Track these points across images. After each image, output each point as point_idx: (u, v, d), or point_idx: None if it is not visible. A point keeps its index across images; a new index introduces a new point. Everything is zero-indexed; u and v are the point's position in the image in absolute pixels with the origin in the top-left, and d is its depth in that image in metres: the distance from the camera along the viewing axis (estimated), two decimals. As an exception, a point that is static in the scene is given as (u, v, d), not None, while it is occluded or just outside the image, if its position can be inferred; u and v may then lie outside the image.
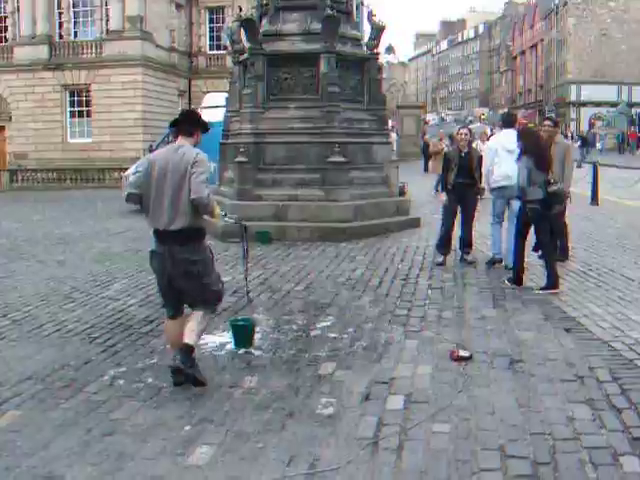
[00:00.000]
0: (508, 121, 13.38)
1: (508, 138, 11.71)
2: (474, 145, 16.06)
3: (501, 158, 11.73)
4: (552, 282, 10.06)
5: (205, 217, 6.65)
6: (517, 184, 10.33)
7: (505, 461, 4.91)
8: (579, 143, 50.45)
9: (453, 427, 5.47)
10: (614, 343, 7.56)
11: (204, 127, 6.76)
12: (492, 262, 12.10)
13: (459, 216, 12.57)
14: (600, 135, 66.58)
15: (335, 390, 6.30)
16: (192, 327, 6.51)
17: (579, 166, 38.29)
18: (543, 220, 10.19)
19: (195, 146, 6.63)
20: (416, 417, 5.66)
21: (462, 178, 12.15)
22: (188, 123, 6.71)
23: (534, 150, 10.20)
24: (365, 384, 6.41)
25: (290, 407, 5.91)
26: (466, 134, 12.48)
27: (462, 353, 7.16)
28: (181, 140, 6.61)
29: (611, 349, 7.38)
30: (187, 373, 6.31)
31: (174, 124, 6.80)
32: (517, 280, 10.46)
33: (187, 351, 6.36)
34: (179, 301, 6.78)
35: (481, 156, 12.58)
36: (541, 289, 10.11)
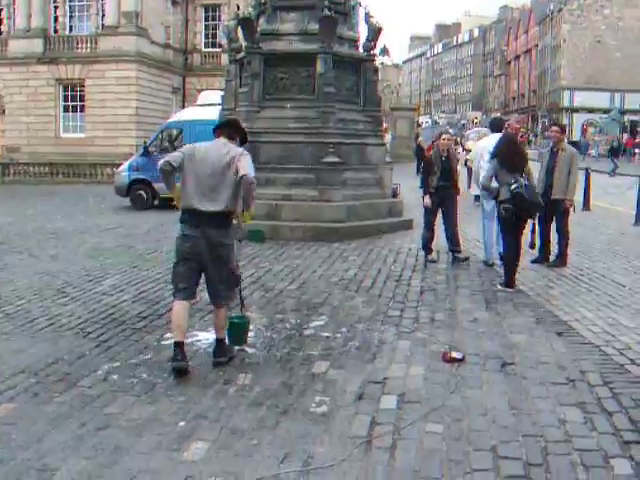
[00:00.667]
0: (496, 125, 14.05)
1: (494, 142, 11.71)
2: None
3: (486, 161, 11.70)
4: (507, 281, 10.62)
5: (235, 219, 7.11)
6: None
7: (497, 462, 4.95)
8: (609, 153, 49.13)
9: (446, 427, 5.52)
10: (605, 347, 7.62)
11: (244, 137, 7.36)
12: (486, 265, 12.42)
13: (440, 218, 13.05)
14: (595, 142, 66.70)
15: (329, 389, 6.33)
16: (222, 324, 7.20)
17: (612, 175, 38.08)
18: (513, 220, 10.60)
19: None
20: (409, 417, 5.70)
21: (443, 181, 12.61)
22: (233, 128, 7.30)
23: (502, 152, 10.74)
24: (358, 383, 6.45)
25: (284, 405, 5.94)
26: (449, 139, 13.08)
27: (454, 355, 7.21)
28: (224, 139, 7.12)
29: (602, 353, 7.44)
30: (227, 361, 7.04)
31: (217, 128, 7.33)
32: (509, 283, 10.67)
33: (223, 344, 7.17)
34: (196, 285, 7.11)
35: (458, 159, 13.30)
36: (499, 284, 10.71)
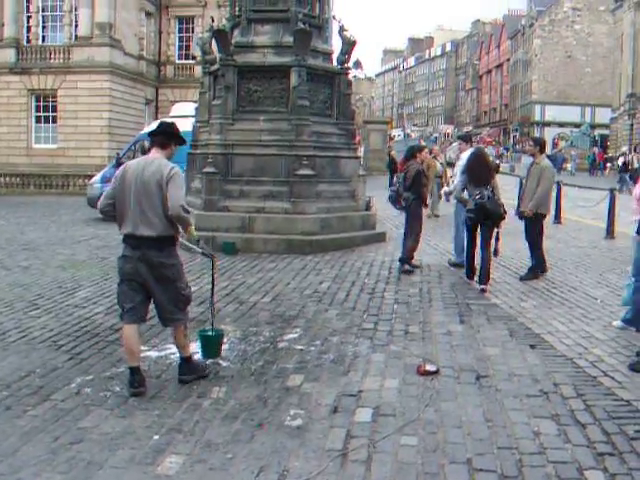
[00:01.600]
0: (466, 140, 14.97)
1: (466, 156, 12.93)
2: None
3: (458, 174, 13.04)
4: (484, 278, 11.63)
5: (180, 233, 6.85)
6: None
7: (473, 474, 4.97)
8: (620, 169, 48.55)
9: (421, 440, 5.53)
10: (578, 360, 7.69)
11: (179, 140, 6.94)
12: (454, 265, 13.50)
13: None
14: (572, 156, 67.29)
15: (303, 402, 6.33)
16: (183, 343, 6.99)
17: (620, 191, 37.42)
18: (476, 228, 11.89)
19: (169, 159, 6.76)
20: (384, 430, 5.71)
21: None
22: (163, 135, 6.87)
23: (471, 167, 11.99)
24: (333, 396, 6.45)
25: (259, 418, 5.93)
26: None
27: (429, 367, 7.23)
28: (155, 152, 6.78)
29: (575, 366, 7.50)
30: (194, 379, 6.86)
31: (150, 134, 7.01)
32: (470, 274, 12.15)
33: (188, 362, 6.97)
34: (145, 307, 6.88)
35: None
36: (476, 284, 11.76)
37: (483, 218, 11.63)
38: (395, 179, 13.74)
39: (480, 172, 11.84)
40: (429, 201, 18.14)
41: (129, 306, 6.76)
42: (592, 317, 9.73)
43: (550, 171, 12.88)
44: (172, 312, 6.83)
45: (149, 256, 6.58)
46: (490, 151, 33.95)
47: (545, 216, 13.12)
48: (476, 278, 11.90)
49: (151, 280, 6.65)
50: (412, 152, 13.84)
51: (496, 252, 12.41)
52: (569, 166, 64.79)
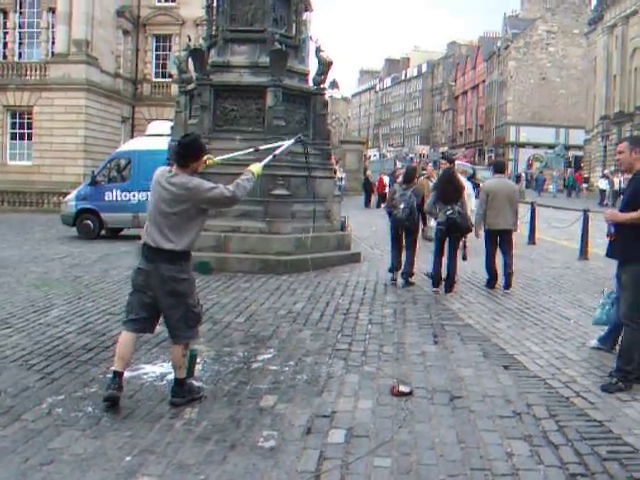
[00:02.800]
0: (449, 161, 15.86)
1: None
2: None
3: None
4: (449, 286, 13.13)
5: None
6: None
7: (445, 496, 4.97)
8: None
9: (394, 461, 5.52)
10: (551, 380, 7.72)
11: (198, 156, 6.86)
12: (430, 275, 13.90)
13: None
14: (553, 177, 67.84)
15: (276, 423, 6.30)
16: (181, 363, 6.86)
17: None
18: (444, 238, 13.25)
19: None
20: (357, 451, 5.69)
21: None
22: (177, 155, 6.81)
23: (440, 186, 13.51)
24: (306, 417, 6.43)
25: (231, 439, 5.89)
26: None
27: (402, 388, 7.22)
28: (176, 169, 6.73)
29: (548, 386, 7.53)
30: (186, 402, 6.75)
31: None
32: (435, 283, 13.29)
33: (183, 385, 6.85)
34: (151, 320, 6.92)
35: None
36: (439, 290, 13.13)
37: (453, 231, 13.12)
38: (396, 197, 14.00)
39: (449, 190, 13.17)
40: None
41: (132, 317, 6.83)
42: (565, 337, 9.78)
43: (484, 191, 14.02)
44: (180, 329, 6.81)
45: (161, 269, 6.61)
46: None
47: (492, 231, 13.66)
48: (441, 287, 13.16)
49: (161, 294, 6.67)
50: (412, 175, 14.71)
51: (465, 257, 14.84)
52: (550, 187, 65.32)
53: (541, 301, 12.56)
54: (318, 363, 8.28)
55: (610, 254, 7.98)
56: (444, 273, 13.32)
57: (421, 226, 15.02)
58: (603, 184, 50.43)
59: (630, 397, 7.20)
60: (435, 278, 13.29)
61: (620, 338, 7.97)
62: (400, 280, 13.93)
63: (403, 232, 14.08)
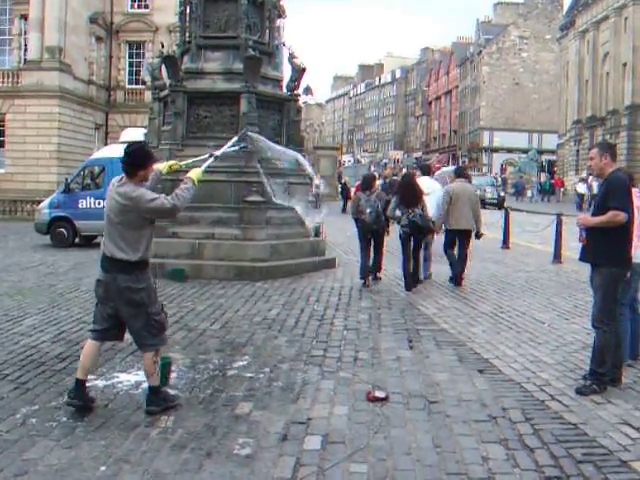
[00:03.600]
0: (425, 170, 18.43)
1: (424, 183, 15.50)
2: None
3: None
4: (407, 286, 13.90)
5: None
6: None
7: (421, 502, 4.97)
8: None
9: (370, 467, 5.52)
10: (526, 384, 7.76)
11: (145, 164, 6.80)
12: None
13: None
14: (532, 182, 68.29)
15: (252, 430, 6.28)
16: (152, 370, 6.83)
17: None
18: (409, 240, 14.14)
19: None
20: (333, 457, 5.69)
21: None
22: (124, 164, 6.72)
23: (401, 191, 14.40)
24: (282, 424, 6.41)
25: (207, 447, 5.87)
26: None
27: (378, 394, 7.23)
28: (125, 178, 6.73)
29: (523, 390, 7.56)
30: (162, 410, 6.69)
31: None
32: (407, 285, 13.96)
33: (157, 392, 6.82)
34: (115, 329, 6.91)
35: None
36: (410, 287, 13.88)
37: (416, 232, 14.00)
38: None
39: (410, 195, 14.11)
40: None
41: (96, 327, 6.92)
42: (540, 341, 9.83)
43: (447, 193, 15.00)
44: (145, 338, 6.78)
45: (118, 279, 6.62)
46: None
47: (453, 230, 14.86)
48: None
49: (120, 305, 6.68)
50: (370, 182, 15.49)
51: (426, 258, 15.47)
52: (529, 192, 65.70)
53: (516, 305, 12.61)
54: (293, 370, 8.27)
55: (583, 258, 8.04)
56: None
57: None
58: (582, 188, 50.67)
59: (604, 399, 7.25)
60: (406, 279, 14.00)
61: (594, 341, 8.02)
62: (371, 279, 14.74)
63: (371, 236, 14.98)
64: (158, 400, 6.79)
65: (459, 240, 14.91)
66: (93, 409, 6.72)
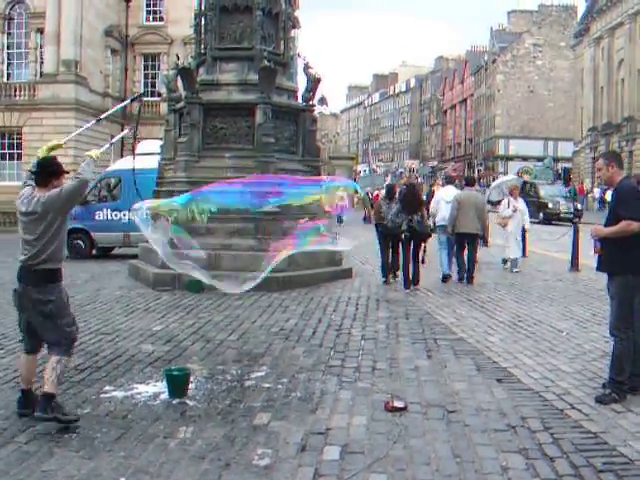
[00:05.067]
0: (448, 180, 20.11)
1: (447, 192, 17.43)
2: (504, 201, 19.51)
3: (441, 206, 16.96)
4: (415, 280, 15.32)
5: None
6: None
7: (441, 512, 4.95)
8: None
9: (389, 477, 5.50)
10: (545, 393, 7.72)
11: (51, 173, 6.96)
12: (444, 277, 16.47)
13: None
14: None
15: (271, 441, 6.28)
16: (49, 376, 6.73)
17: None
18: (409, 243, 15.40)
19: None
20: (352, 467, 5.67)
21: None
22: (40, 175, 6.96)
23: (404, 198, 15.66)
24: (301, 435, 6.41)
25: (226, 458, 5.87)
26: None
27: (397, 404, 7.22)
28: (37, 190, 6.88)
29: (542, 399, 7.53)
30: (50, 418, 6.55)
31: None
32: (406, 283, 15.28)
33: (48, 399, 6.63)
34: (36, 339, 7.02)
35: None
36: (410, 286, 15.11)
37: (414, 237, 15.29)
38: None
39: (412, 203, 15.41)
40: None
41: (22, 337, 7.17)
42: (558, 350, 9.78)
43: (455, 200, 16.33)
44: (54, 347, 6.89)
45: (28, 291, 6.81)
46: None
47: (460, 234, 16.23)
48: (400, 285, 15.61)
49: (32, 314, 6.85)
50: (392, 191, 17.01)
51: (423, 260, 16.98)
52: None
53: (534, 313, 12.56)
54: (311, 380, 8.27)
55: (599, 268, 8.03)
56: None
57: None
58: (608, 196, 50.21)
59: (624, 408, 7.20)
60: (406, 278, 15.40)
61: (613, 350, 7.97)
62: (392, 277, 16.40)
63: (391, 240, 16.25)
64: (49, 407, 6.58)
65: (468, 243, 16.30)
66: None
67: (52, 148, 7.66)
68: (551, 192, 43.01)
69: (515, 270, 18.29)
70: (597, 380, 8.15)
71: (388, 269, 16.39)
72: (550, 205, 40.59)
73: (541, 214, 39.73)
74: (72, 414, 6.76)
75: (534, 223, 28.98)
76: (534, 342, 10.28)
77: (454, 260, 16.88)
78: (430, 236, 16.28)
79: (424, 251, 17.00)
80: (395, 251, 16.31)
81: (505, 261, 19.05)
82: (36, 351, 7.15)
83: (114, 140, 8.70)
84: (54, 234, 6.82)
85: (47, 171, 6.94)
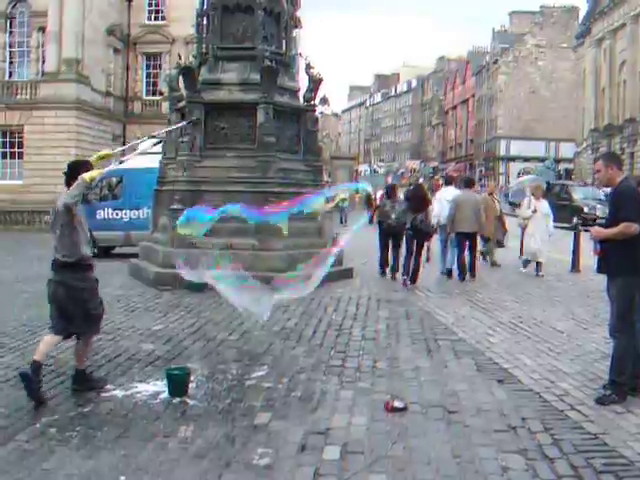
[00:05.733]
0: (449, 181, 20.67)
1: (449, 193, 18.23)
2: (525, 201, 19.43)
3: (443, 206, 17.53)
4: (413, 278, 15.93)
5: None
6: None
7: (441, 512, 4.96)
8: None
9: (390, 477, 5.51)
10: (545, 394, 7.73)
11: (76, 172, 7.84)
12: (447, 272, 17.47)
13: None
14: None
15: (271, 440, 6.29)
16: (80, 354, 7.97)
17: None
18: (413, 240, 16.18)
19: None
20: (352, 467, 5.68)
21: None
22: (68, 176, 7.90)
23: (411, 198, 16.75)
24: (301, 434, 6.41)
25: (226, 457, 5.88)
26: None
27: (397, 404, 7.21)
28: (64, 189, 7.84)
29: (542, 400, 7.54)
30: (85, 389, 7.71)
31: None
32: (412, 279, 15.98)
33: (80, 374, 7.87)
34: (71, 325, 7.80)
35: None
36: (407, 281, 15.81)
37: (418, 235, 16.07)
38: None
39: (418, 203, 16.34)
40: (483, 248, 20.26)
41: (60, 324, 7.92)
42: (558, 351, 9.80)
43: (453, 201, 17.30)
44: (84, 327, 7.85)
45: (65, 279, 7.77)
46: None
47: (459, 233, 17.03)
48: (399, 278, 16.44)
49: (68, 301, 7.74)
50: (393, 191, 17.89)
51: (428, 259, 18.65)
52: None
53: (534, 314, 12.57)
54: (312, 379, 8.27)
55: (599, 269, 8.04)
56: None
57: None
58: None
59: (624, 409, 7.21)
60: (410, 273, 16.03)
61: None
62: (388, 272, 17.27)
63: (391, 237, 17.15)
64: (85, 380, 7.83)
65: (468, 242, 17.13)
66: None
67: (102, 157, 8.40)
68: (585, 194, 40.05)
69: (523, 270, 18.60)
70: (597, 381, 8.16)
71: (386, 264, 17.37)
72: (585, 209, 37.01)
73: (575, 219, 36.56)
74: (102, 380, 7.98)
75: (566, 229, 28.60)
76: (535, 343, 10.29)
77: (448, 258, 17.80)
78: (432, 235, 17.07)
79: (428, 250, 18.03)
80: (396, 249, 17.05)
81: (526, 263, 18.93)
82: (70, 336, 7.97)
83: (160, 132, 9.18)
84: (65, 231, 7.71)
85: (73, 173, 7.74)
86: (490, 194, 21.44)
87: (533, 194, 19.40)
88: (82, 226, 7.94)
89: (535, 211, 18.44)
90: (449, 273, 17.37)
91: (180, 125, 9.07)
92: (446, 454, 5.99)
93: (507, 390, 7.89)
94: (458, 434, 6.47)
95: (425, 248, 17.43)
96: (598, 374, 8.48)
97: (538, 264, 18.36)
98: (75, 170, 7.80)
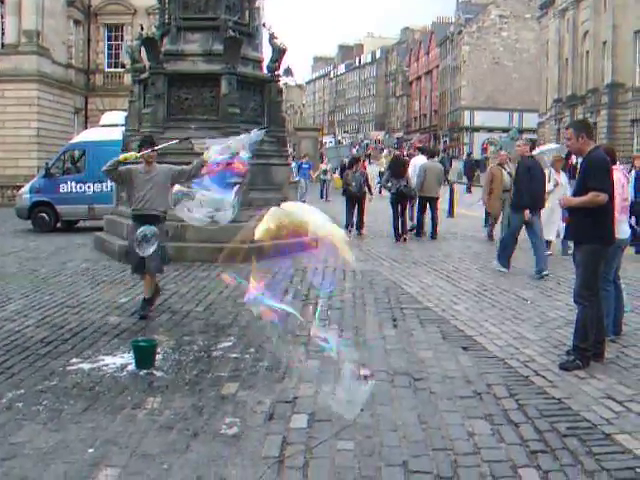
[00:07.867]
0: (423, 150, 26.08)
1: (418, 160, 21.88)
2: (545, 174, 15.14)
3: (415, 172, 20.10)
4: (397, 237, 18.79)
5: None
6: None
7: (409, 476, 5.01)
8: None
9: (357, 444, 5.55)
10: (510, 360, 7.82)
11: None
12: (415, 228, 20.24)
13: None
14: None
15: (239, 410, 6.30)
16: (148, 286, 10.12)
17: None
18: (397, 204, 18.88)
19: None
20: (320, 435, 5.72)
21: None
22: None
23: (392, 166, 20.32)
24: (268, 403, 6.43)
25: (194, 427, 5.88)
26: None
27: (363, 372, 7.24)
28: None
29: (507, 366, 7.62)
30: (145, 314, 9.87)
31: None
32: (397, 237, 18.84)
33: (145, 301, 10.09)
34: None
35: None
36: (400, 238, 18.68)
37: (401, 198, 18.82)
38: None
39: (398, 170, 19.32)
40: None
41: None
42: (522, 318, 9.90)
43: (421, 169, 19.99)
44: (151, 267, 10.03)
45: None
46: None
47: (423, 197, 19.73)
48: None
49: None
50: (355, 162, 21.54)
51: (412, 218, 20.74)
52: None
53: (498, 283, 12.69)
54: (279, 350, 8.28)
55: (567, 236, 8.14)
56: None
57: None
58: None
59: (587, 374, 7.31)
60: (395, 232, 18.81)
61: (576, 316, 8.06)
62: (354, 231, 19.91)
63: (356, 201, 20.15)
64: (146, 306, 9.96)
65: (429, 204, 19.71)
66: None
67: (126, 158, 10.33)
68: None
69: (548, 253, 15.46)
70: (561, 347, 8.27)
71: (350, 224, 20.06)
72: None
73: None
74: (147, 310, 9.98)
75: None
76: (499, 311, 10.39)
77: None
78: (414, 197, 19.80)
79: (412, 208, 20.85)
80: (360, 212, 20.25)
81: (548, 243, 15.93)
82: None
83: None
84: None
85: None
86: (500, 164, 18.70)
87: (552, 166, 16.92)
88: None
89: (557, 184, 16.14)
90: (416, 230, 20.07)
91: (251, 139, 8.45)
92: (413, 420, 6.04)
93: (472, 357, 7.96)
94: (424, 401, 6.53)
95: (408, 209, 20.03)
96: (562, 340, 8.59)
97: (548, 242, 15.89)
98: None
